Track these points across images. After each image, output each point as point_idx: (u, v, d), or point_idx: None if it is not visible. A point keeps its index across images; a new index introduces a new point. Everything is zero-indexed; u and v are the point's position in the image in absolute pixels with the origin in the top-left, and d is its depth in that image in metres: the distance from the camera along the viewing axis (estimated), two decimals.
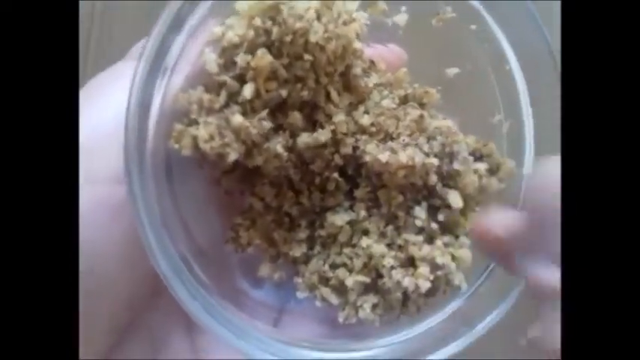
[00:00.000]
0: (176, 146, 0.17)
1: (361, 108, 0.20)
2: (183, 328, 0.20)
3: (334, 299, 0.21)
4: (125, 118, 0.16)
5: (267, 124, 0.18)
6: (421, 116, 0.20)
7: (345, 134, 0.19)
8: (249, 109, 0.18)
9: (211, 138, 0.17)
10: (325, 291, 0.21)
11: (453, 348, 0.19)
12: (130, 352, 0.19)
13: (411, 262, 0.20)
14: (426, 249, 0.20)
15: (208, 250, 0.20)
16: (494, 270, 0.22)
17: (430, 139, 0.20)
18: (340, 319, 0.21)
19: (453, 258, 0.20)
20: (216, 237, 0.20)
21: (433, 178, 0.20)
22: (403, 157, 0.19)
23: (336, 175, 0.20)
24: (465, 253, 0.20)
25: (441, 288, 0.20)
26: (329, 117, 0.19)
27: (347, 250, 0.20)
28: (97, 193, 0.16)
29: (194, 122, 0.17)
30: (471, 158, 0.20)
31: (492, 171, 0.21)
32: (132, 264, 0.17)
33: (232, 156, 0.17)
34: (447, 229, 0.21)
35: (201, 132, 0.17)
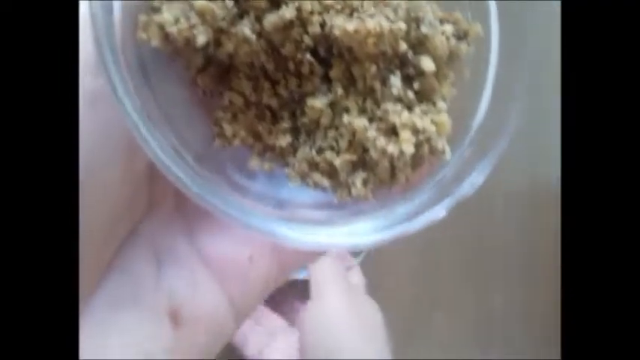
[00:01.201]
0: (144, 37, 0.18)
1: None
2: (184, 234, 0.20)
3: (326, 182, 0.21)
4: (90, 13, 0.16)
5: (230, 3, 0.18)
6: None
7: (311, 13, 0.20)
8: None
9: (177, 21, 0.17)
10: (316, 176, 0.21)
11: (442, 207, 0.20)
12: (131, 259, 0.19)
13: (393, 131, 0.20)
14: (406, 115, 0.20)
15: (198, 147, 0.20)
16: (474, 138, 0.22)
17: (395, 9, 0.20)
18: (335, 200, 0.21)
19: (433, 123, 0.21)
20: (202, 135, 0.20)
21: (403, 46, 0.20)
22: (370, 23, 0.19)
23: (308, 56, 0.20)
24: (444, 118, 0.21)
25: (425, 156, 0.21)
26: None
27: (331, 133, 0.21)
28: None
29: (158, 10, 0.18)
30: (437, 22, 0.21)
31: (460, 37, 0.22)
32: (119, 161, 0.18)
33: (201, 39, 0.18)
34: (423, 96, 0.21)
35: (166, 16, 0.17)
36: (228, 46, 0.19)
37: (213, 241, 0.20)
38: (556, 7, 0.20)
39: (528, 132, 0.35)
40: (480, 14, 0.23)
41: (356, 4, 0.20)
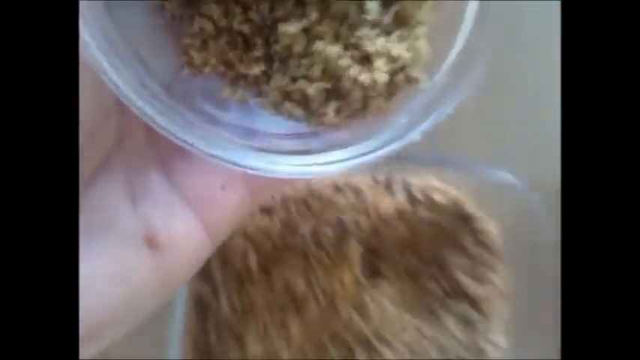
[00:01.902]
0: None
1: None
2: (157, 164, 0.21)
3: (299, 112, 0.21)
4: None
5: None
6: None
7: None
8: None
9: None
10: (289, 105, 0.21)
11: (415, 133, 0.20)
12: (105, 188, 0.19)
13: (367, 59, 0.20)
14: (381, 42, 0.20)
15: (165, 78, 0.20)
16: (451, 67, 0.22)
17: None
18: (308, 130, 0.21)
19: (410, 49, 0.20)
20: (170, 64, 0.20)
21: None
22: None
23: None
24: (422, 44, 0.20)
25: (400, 84, 0.21)
26: None
27: (305, 61, 0.20)
28: None
29: None
30: None
31: None
32: (83, 90, 0.17)
33: None
34: (401, 21, 0.20)
35: None
36: None
37: (186, 170, 0.20)
38: None
39: (528, 132, 0.35)
40: None
41: None
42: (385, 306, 0.32)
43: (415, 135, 0.20)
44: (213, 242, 0.21)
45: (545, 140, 0.30)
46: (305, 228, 0.31)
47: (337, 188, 0.32)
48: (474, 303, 0.32)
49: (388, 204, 0.32)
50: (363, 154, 0.20)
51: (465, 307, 0.32)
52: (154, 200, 0.20)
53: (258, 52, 0.20)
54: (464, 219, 0.33)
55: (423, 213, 0.32)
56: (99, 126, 0.19)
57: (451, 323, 0.32)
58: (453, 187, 0.33)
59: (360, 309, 0.31)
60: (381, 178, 0.33)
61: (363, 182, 0.33)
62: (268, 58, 0.21)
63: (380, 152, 0.20)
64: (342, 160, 0.20)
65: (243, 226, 0.31)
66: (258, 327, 0.31)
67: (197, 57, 0.20)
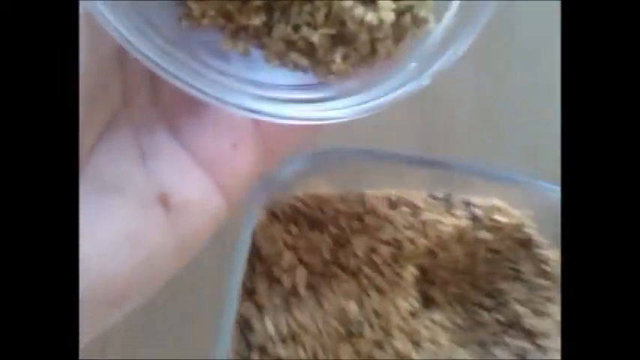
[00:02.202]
0: None
1: None
2: (164, 124, 0.20)
3: (305, 61, 0.20)
4: None
5: None
6: None
7: None
8: None
9: None
10: (294, 55, 0.20)
11: (425, 78, 0.19)
12: (114, 148, 0.19)
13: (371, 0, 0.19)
14: None
15: (166, 32, 0.19)
16: (460, 6, 0.21)
17: None
18: (315, 79, 0.21)
19: None
20: (171, 18, 0.19)
21: None
22: None
23: None
24: None
25: (408, 26, 0.20)
26: None
27: (307, 7, 0.20)
28: None
29: None
30: None
31: None
32: (82, 46, 0.17)
33: None
34: None
35: None
36: None
37: (195, 129, 0.20)
38: None
39: (529, 132, 0.35)
40: None
41: None
42: (438, 338, 0.29)
43: (425, 79, 0.20)
44: (229, 202, 0.20)
45: (545, 140, 0.30)
46: (358, 246, 0.29)
47: (392, 204, 0.29)
48: (531, 337, 0.30)
49: (447, 223, 0.29)
50: (374, 99, 0.19)
51: (521, 342, 0.30)
52: (164, 160, 0.19)
53: (257, 2, 0.20)
54: (525, 244, 0.30)
55: (483, 235, 0.30)
56: (102, 84, 0.18)
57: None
58: (516, 207, 0.30)
59: (414, 339, 0.29)
60: (439, 194, 0.30)
61: (419, 198, 0.30)
62: (268, 8, 0.20)
63: (390, 96, 0.19)
64: (353, 105, 0.19)
65: (291, 241, 0.28)
66: (307, 354, 0.27)
67: (195, 8, 0.19)
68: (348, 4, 0.19)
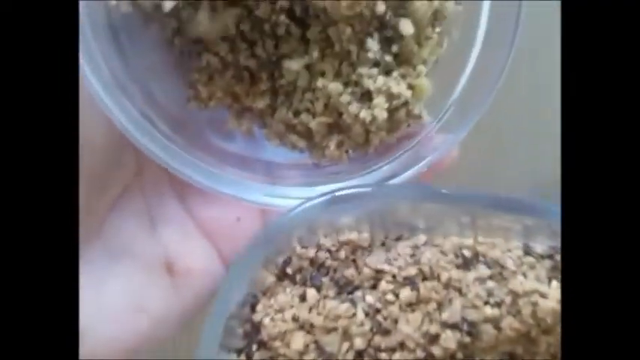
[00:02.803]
0: (113, 3, 0.18)
1: None
2: (174, 193, 0.22)
3: (302, 143, 0.22)
4: None
5: None
6: None
7: None
8: None
9: None
10: (293, 137, 0.22)
11: (416, 170, 0.20)
12: (125, 215, 0.20)
13: (367, 96, 0.20)
14: (381, 80, 0.20)
15: (173, 111, 0.20)
16: (457, 101, 0.22)
17: None
18: (310, 161, 0.22)
19: (411, 87, 0.20)
20: (178, 98, 0.21)
21: (381, 7, 0.19)
22: None
23: (283, 17, 0.20)
24: (423, 82, 0.21)
25: (402, 120, 0.21)
26: None
27: (308, 95, 0.21)
28: None
29: None
30: None
31: None
32: (102, 124, 0.18)
33: (168, 4, 0.18)
34: (402, 60, 0.21)
35: None
36: (202, 16, 0.19)
37: (202, 201, 0.21)
38: None
39: (528, 131, 0.35)
40: None
41: None
42: None
43: (423, 167, 0.21)
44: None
45: (546, 140, 0.29)
46: (407, 331, 0.18)
47: (465, 262, 0.19)
48: None
49: (551, 295, 0.19)
50: (365, 186, 0.20)
51: None
52: (172, 227, 0.21)
53: (263, 86, 0.21)
54: None
55: None
56: (118, 156, 0.20)
57: None
58: None
59: None
60: (538, 247, 0.20)
61: (508, 253, 0.20)
62: (273, 92, 0.21)
63: (392, 181, 0.20)
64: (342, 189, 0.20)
65: (305, 315, 0.19)
66: None
67: (203, 91, 0.20)
68: (345, 98, 0.20)
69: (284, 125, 0.21)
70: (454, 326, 0.18)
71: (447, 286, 0.19)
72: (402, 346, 0.18)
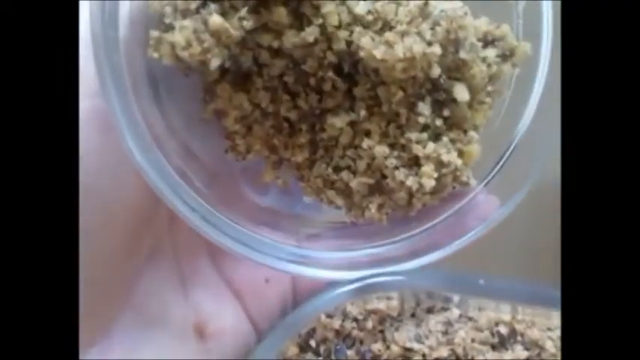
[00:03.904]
0: (155, 55, 0.17)
1: None
2: (206, 252, 0.21)
3: (340, 201, 0.21)
4: (90, 27, 0.15)
5: (249, 24, 0.16)
6: None
7: (337, 27, 0.18)
8: (227, 7, 0.16)
9: (189, 44, 0.16)
10: (331, 194, 0.20)
11: (463, 241, 0.19)
12: (157, 278, 0.20)
13: (415, 162, 0.19)
14: (431, 147, 0.19)
15: (208, 163, 0.19)
16: (505, 164, 0.21)
17: (434, 25, 0.18)
18: (348, 219, 0.21)
19: (460, 154, 0.19)
20: (214, 149, 0.20)
21: (436, 71, 0.18)
22: (400, 49, 0.17)
23: (331, 74, 0.19)
24: (474, 149, 0.19)
25: (448, 185, 0.20)
26: (317, 9, 0.17)
27: (349, 152, 0.20)
28: (82, 108, 0.16)
29: (170, 27, 0.16)
30: (480, 44, 0.18)
31: (505, 56, 0.19)
32: (137, 179, 0.17)
33: (215, 62, 0.16)
34: (453, 124, 0.19)
35: (177, 38, 0.16)
36: (246, 56, 0.18)
37: (232, 259, 0.21)
38: None
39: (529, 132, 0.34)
40: (533, 20, 0.20)
41: (390, 16, 0.18)
42: None
43: (471, 237, 0.20)
44: (258, 331, 0.21)
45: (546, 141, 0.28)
46: None
47: (501, 340, 0.19)
48: None
49: None
50: (404, 260, 0.19)
51: None
52: (204, 288, 0.20)
53: (303, 139, 0.20)
54: None
55: None
56: (151, 213, 0.19)
57: None
58: None
59: None
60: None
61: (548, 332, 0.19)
62: (313, 145, 0.20)
63: (423, 260, 0.19)
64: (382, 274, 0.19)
65: None
66: None
67: (241, 143, 0.19)
68: (391, 162, 0.19)
69: (322, 181, 0.20)
70: None
71: None
72: None
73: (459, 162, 0.19)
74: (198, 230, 0.17)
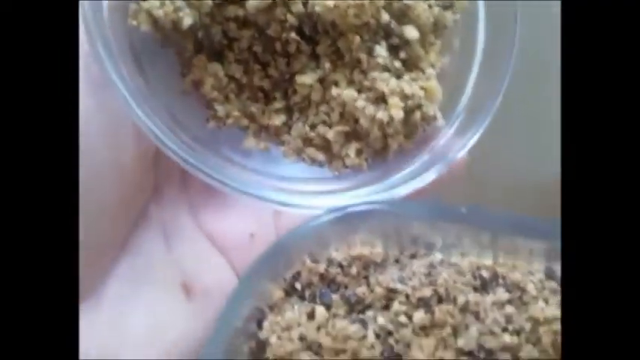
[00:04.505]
0: (134, 23, 0.19)
1: None
2: (190, 214, 0.21)
3: (321, 156, 0.22)
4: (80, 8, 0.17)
5: None
6: None
7: None
8: None
9: (162, 4, 0.18)
10: (311, 151, 0.22)
11: (433, 172, 0.20)
12: (143, 240, 0.20)
13: (382, 99, 0.21)
14: (394, 83, 0.20)
15: (193, 130, 0.21)
16: (465, 108, 0.22)
17: None
18: (330, 172, 0.22)
19: (422, 89, 0.21)
20: (197, 118, 0.21)
21: (385, 16, 0.20)
22: None
23: (293, 35, 0.21)
24: (433, 84, 0.21)
25: (418, 123, 0.21)
26: None
27: (322, 108, 0.21)
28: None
29: None
30: None
31: (446, 6, 0.22)
32: (128, 146, 0.19)
33: (187, 20, 0.19)
34: (411, 65, 0.21)
35: (153, 1, 0.18)
36: (216, 29, 0.20)
37: (217, 219, 0.21)
38: None
39: (528, 130, 0.35)
40: None
41: None
42: None
43: (432, 174, 0.20)
44: None
45: (545, 140, 0.29)
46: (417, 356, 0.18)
47: (483, 283, 0.19)
48: None
49: None
50: (384, 190, 0.20)
51: None
52: (188, 247, 0.21)
53: (278, 104, 0.22)
54: None
55: None
56: (140, 179, 0.20)
57: None
58: None
59: None
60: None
61: (529, 277, 0.19)
62: (288, 109, 0.22)
63: (398, 190, 0.20)
64: (366, 196, 0.20)
65: (313, 334, 0.18)
66: None
67: (221, 110, 0.21)
68: (360, 104, 0.20)
69: (301, 140, 0.22)
70: (470, 354, 0.17)
71: (464, 310, 0.18)
72: None
73: (421, 93, 0.21)
74: (192, 168, 0.18)
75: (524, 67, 0.21)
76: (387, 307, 0.18)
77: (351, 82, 0.21)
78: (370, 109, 0.20)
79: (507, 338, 0.17)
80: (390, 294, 0.18)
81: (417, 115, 0.21)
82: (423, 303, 0.18)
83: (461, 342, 0.17)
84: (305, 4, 0.20)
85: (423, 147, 0.22)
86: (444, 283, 0.18)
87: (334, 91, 0.21)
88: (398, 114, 0.20)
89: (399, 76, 0.21)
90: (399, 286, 0.18)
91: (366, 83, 0.21)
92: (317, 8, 0.20)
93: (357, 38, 0.20)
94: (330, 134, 0.21)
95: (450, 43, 0.23)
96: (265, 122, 0.22)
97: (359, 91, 0.21)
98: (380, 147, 0.21)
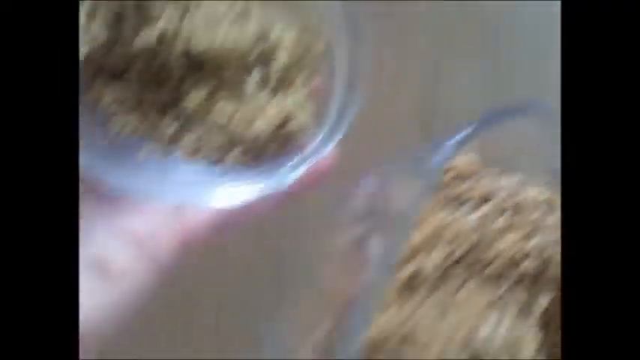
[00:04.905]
0: None
1: None
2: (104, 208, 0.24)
3: (211, 157, 0.26)
4: None
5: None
6: None
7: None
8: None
9: None
10: (201, 154, 0.25)
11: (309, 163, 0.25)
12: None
13: (259, 112, 0.25)
14: (269, 99, 0.25)
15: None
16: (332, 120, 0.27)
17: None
18: (220, 171, 0.26)
19: (295, 105, 0.26)
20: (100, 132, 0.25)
21: (258, 49, 0.25)
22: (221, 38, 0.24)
23: (178, 64, 0.25)
24: (303, 100, 0.26)
25: (292, 132, 0.26)
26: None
27: (210, 118, 0.25)
28: None
29: None
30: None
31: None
32: None
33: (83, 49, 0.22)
34: (286, 84, 0.26)
35: None
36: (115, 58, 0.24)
37: (127, 210, 0.24)
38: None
39: (528, 131, 0.38)
40: None
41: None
42: None
43: (296, 174, 0.25)
44: (159, 273, 0.24)
45: (545, 140, 0.29)
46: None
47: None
48: None
49: None
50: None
51: None
52: (107, 232, 0.23)
53: (170, 118, 0.25)
54: None
55: None
56: None
57: None
58: None
59: None
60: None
61: None
62: (178, 120, 0.26)
63: (271, 183, 0.25)
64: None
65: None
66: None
67: (119, 121, 0.24)
68: (239, 116, 0.25)
69: (194, 145, 0.25)
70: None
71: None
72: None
73: (293, 106, 0.25)
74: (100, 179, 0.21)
75: (524, 67, 0.23)
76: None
77: (232, 98, 0.25)
78: (249, 123, 0.25)
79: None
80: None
81: (292, 124, 0.26)
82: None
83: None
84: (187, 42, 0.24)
85: (298, 149, 0.26)
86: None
87: (218, 105, 0.25)
88: (271, 126, 0.25)
89: (274, 94, 0.26)
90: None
91: (245, 100, 0.25)
92: (198, 48, 0.24)
93: (235, 65, 0.25)
94: (218, 140, 0.25)
95: (319, 66, 0.28)
96: (159, 135, 0.25)
97: (239, 106, 0.25)
98: (258, 153, 0.26)
